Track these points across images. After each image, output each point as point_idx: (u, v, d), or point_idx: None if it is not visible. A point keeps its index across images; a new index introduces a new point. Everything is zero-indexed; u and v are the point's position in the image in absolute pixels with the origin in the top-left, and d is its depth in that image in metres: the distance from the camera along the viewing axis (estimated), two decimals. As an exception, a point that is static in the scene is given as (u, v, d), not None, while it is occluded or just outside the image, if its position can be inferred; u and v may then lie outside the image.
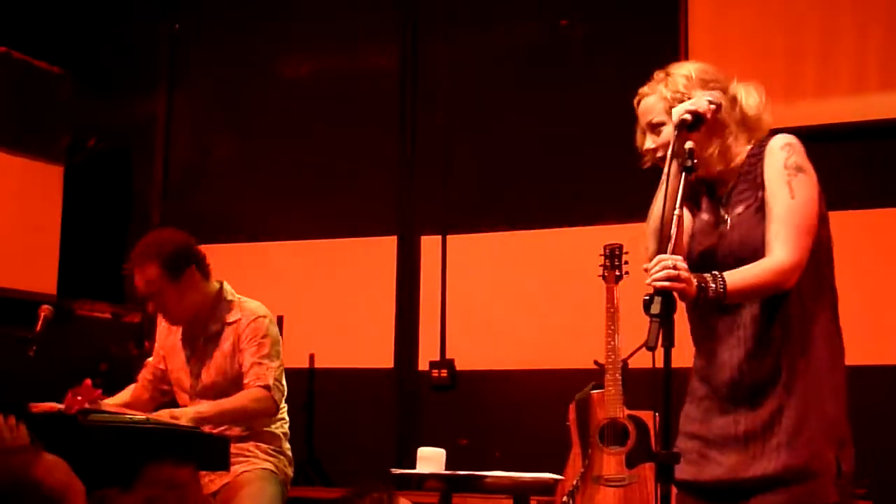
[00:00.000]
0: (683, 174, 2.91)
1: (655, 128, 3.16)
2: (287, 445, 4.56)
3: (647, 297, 2.82)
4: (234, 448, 4.11)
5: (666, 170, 3.00)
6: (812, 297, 3.05)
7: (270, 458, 4.45)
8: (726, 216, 3.13)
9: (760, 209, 3.05)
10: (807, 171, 3.05)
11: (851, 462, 3.04)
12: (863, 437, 5.07)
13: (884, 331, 5.49)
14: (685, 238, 3.13)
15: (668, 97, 3.12)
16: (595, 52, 6.31)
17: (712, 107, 3.01)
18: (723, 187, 3.17)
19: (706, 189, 3.20)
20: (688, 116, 2.97)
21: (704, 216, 3.16)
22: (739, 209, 3.10)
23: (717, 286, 2.89)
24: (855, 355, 5.28)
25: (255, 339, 4.42)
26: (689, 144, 2.94)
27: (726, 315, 3.07)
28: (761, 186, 3.07)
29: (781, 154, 3.06)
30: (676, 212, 2.87)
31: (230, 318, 4.48)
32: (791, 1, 5.83)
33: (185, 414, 4.14)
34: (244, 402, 4.34)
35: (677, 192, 2.90)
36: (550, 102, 6.35)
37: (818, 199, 3.07)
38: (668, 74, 3.17)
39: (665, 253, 2.84)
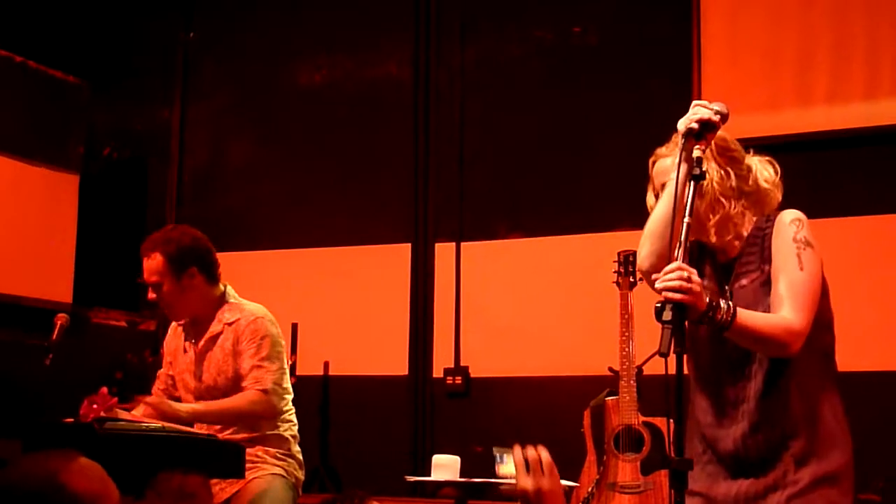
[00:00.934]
0: (692, 183, 2.92)
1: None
2: (297, 448, 4.58)
3: (658, 304, 2.82)
4: None
5: (673, 176, 3.01)
6: (814, 371, 3.07)
7: (279, 463, 4.47)
8: (728, 288, 3.14)
9: (766, 283, 3.07)
10: (814, 246, 3.08)
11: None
12: (875, 441, 5.10)
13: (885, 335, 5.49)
14: None
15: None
16: (610, 59, 6.31)
17: (717, 117, 3.02)
18: (724, 256, 3.17)
19: (709, 256, 3.20)
20: (695, 125, 2.98)
21: (706, 282, 3.13)
22: (743, 281, 3.11)
23: (726, 312, 2.90)
24: (869, 361, 5.30)
25: (254, 340, 4.45)
26: (696, 153, 2.95)
27: (730, 385, 3.08)
28: (767, 260, 3.09)
29: (791, 228, 3.08)
30: (686, 220, 2.87)
31: (230, 319, 4.52)
32: (803, 7, 5.82)
33: (181, 408, 4.21)
34: (240, 404, 4.38)
35: (686, 201, 2.91)
36: (565, 109, 6.35)
37: (822, 274, 3.09)
38: None
39: (676, 261, 2.84)
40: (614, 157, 6.08)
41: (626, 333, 5.13)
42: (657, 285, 2.81)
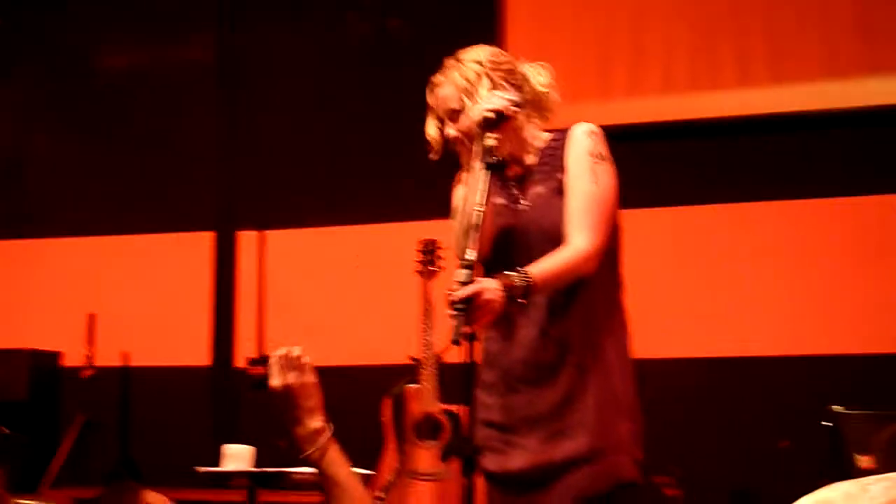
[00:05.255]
0: (487, 171, 2.94)
1: (455, 115, 3.17)
2: None
3: (449, 293, 2.83)
4: None
5: (476, 165, 3.02)
6: (603, 282, 3.12)
7: None
8: (522, 198, 3.16)
9: (560, 191, 3.09)
10: (609, 160, 3.12)
11: (642, 442, 3.12)
12: (672, 427, 5.24)
13: (695, 323, 5.65)
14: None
15: (463, 85, 3.15)
16: (416, 50, 6.31)
17: (515, 108, 3.04)
18: (517, 168, 3.19)
19: (499, 170, 3.19)
20: (490, 114, 3.00)
21: (498, 199, 3.17)
22: (539, 189, 3.13)
23: (524, 283, 2.91)
24: (662, 348, 5.45)
25: None
26: (490, 142, 2.97)
27: None
28: (561, 169, 3.11)
29: (587, 141, 3.12)
30: (480, 207, 2.88)
31: None
32: (605, 3, 5.94)
33: None
34: None
35: (481, 189, 2.92)
36: (370, 99, 6.34)
37: (617, 188, 3.14)
38: (458, 61, 3.20)
39: (471, 249, 2.85)
40: (419, 147, 6.07)
41: (427, 322, 5.14)
42: (454, 312, 2.79)
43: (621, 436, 3.06)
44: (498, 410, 3.12)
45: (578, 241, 3.02)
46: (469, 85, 3.15)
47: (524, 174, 3.18)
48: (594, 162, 3.09)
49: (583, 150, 3.11)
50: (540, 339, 3.06)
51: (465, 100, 3.15)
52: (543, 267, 2.97)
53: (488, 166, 2.94)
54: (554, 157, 3.15)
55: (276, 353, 2.53)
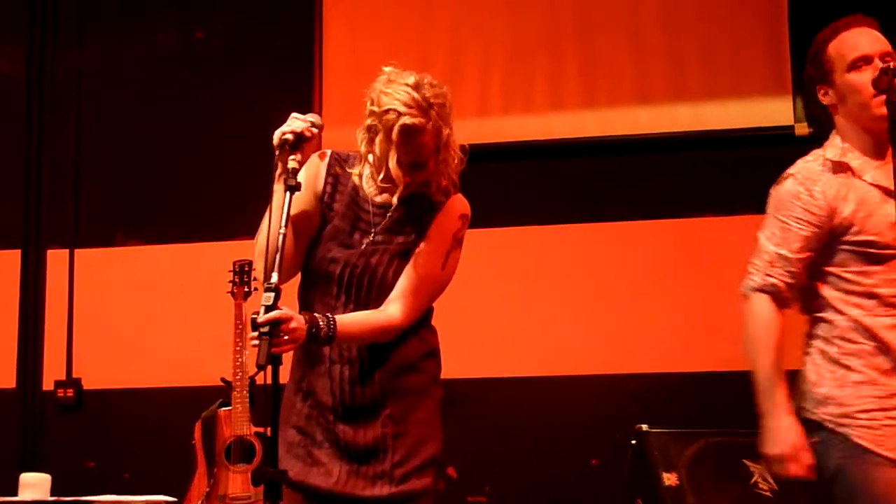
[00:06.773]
0: (289, 193, 2.92)
1: (420, 166, 3.05)
2: None
3: (255, 315, 2.81)
4: None
5: (276, 188, 3.00)
6: (419, 331, 3.17)
7: None
8: (373, 233, 3.14)
9: (405, 254, 3.10)
10: (461, 248, 3.17)
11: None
12: (486, 445, 5.29)
13: (506, 343, 5.71)
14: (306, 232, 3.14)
15: (442, 136, 3.07)
16: (232, 67, 6.25)
17: (314, 129, 3.04)
18: (388, 195, 3.11)
19: (356, 191, 3.18)
20: (290, 136, 2.99)
21: (340, 222, 3.15)
22: (385, 238, 3.12)
23: (328, 330, 2.93)
24: (476, 368, 5.50)
25: None
26: (292, 164, 2.95)
27: None
28: (420, 235, 3.11)
29: (456, 223, 3.15)
30: (282, 230, 2.87)
31: None
32: (422, 26, 5.98)
33: None
34: None
35: (285, 211, 2.90)
36: (185, 116, 6.24)
37: (453, 275, 3.18)
38: (430, 104, 3.04)
39: (273, 271, 2.83)
40: (233, 167, 6.04)
41: (240, 344, 5.10)
42: (261, 333, 2.78)
43: (425, 484, 3.11)
44: (304, 419, 3.12)
45: (394, 310, 3.06)
46: (444, 137, 3.06)
47: (387, 208, 3.13)
48: (452, 246, 3.13)
49: (449, 229, 3.13)
50: (349, 383, 3.08)
51: (438, 152, 3.06)
52: (349, 323, 3.00)
53: (289, 188, 2.92)
54: (422, 214, 3.12)
55: None
